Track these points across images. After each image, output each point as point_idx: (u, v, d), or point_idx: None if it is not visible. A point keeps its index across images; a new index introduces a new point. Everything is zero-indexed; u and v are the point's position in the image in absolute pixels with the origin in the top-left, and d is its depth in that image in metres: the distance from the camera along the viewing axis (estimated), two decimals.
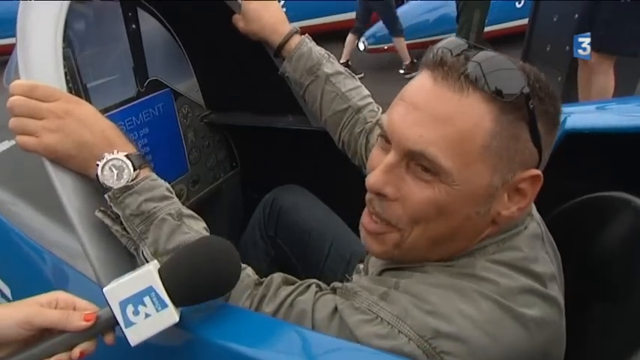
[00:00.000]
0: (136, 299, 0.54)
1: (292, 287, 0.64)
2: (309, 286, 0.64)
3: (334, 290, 0.63)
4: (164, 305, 0.55)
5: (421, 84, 0.58)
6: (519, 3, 4.71)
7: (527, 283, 0.59)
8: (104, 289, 0.55)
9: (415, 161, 0.57)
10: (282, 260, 1.19)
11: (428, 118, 0.55)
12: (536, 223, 0.66)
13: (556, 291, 0.62)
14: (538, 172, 0.58)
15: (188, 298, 0.57)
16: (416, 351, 0.53)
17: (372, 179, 0.60)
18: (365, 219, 0.64)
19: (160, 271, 0.56)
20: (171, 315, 0.55)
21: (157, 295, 0.55)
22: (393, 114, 0.59)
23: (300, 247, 1.15)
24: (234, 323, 0.62)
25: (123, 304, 0.54)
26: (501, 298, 0.56)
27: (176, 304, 0.56)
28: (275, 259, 1.21)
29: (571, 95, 2.99)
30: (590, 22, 2.50)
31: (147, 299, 0.54)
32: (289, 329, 0.60)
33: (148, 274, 0.55)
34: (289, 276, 0.68)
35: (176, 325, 0.57)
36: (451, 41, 0.58)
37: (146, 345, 0.56)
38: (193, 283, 0.56)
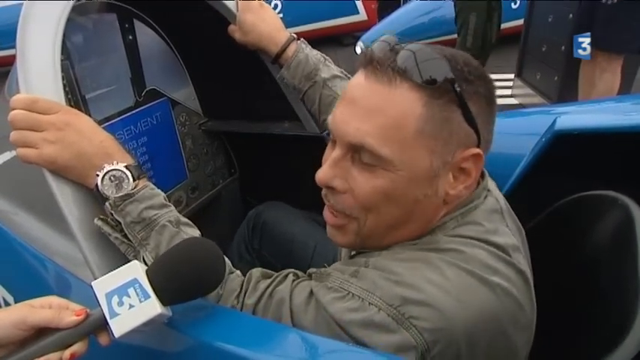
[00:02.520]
0: (121, 291, 0.56)
1: (270, 279, 0.67)
2: (286, 276, 0.67)
3: (310, 276, 0.67)
4: (147, 296, 0.56)
5: (356, 82, 0.62)
6: (515, 4, 4.73)
7: (490, 250, 0.61)
8: (92, 282, 0.57)
9: (358, 153, 0.61)
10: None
11: (362, 112, 0.60)
12: (494, 199, 0.68)
13: (521, 261, 0.64)
14: (478, 150, 0.62)
15: (176, 296, 0.59)
16: (386, 319, 0.56)
17: (320, 174, 0.64)
18: (325, 213, 0.68)
19: (147, 272, 0.58)
20: (153, 306, 0.56)
21: (140, 286, 0.56)
22: (334, 113, 0.64)
23: (284, 256, 1.18)
24: (226, 324, 0.63)
25: (109, 296, 0.56)
26: (466, 265, 0.59)
27: (164, 302, 0.57)
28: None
29: (567, 94, 3.00)
30: (590, 20, 2.50)
31: (131, 290, 0.56)
32: (280, 329, 0.61)
33: (133, 267, 0.58)
34: (267, 270, 0.71)
35: (169, 326, 0.58)
36: (381, 41, 0.63)
37: (139, 348, 0.57)
38: (179, 281, 0.58)
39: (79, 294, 0.81)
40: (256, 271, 0.70)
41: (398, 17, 4.59)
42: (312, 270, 0.67)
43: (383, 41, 0.63)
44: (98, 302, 0.56)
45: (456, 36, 3.70)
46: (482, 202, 0.66)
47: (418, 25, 4.51)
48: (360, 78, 0.62)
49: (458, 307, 0.56)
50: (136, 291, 0.56)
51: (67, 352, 0.54)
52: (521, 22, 3.71)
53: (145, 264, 0.69)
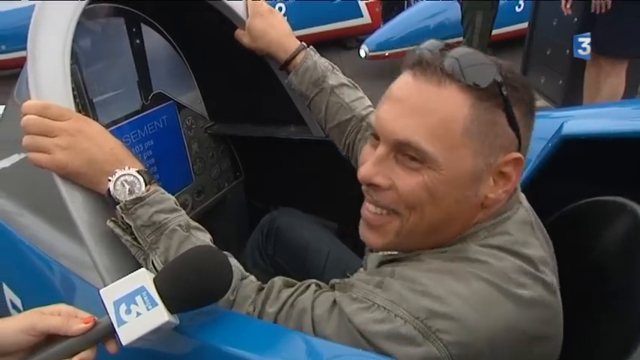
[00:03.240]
0: (129, 298, 0.56)
1: (293, 289, 0.67)
2: (308, 286, 0.67)
3: (332, 287, 0.66)
4: (154, 304, 0.56)
5: (403, 81, 0.63)
6: (519, 7, 4.73)
7: (517, 263, 0.61)
8: (100, 290, 0.57)
9: (402, 152, 0.61)
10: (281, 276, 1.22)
11: (410, 110, 0.60)
12: (525, 210, 0.68)
13: (548, 274, 0.63)
14: (519, 155, 0.62)
15: (183, 304, 0.59)
16: (412, 332, 0.56)
17: (363, 171, 0.64)
18: (365, 212, 0.67)
19: (154, 280, 0.58)
20: (160, 314, 0.56)
21: (148, 294, 0.57)
22: (379, 111, 0.64)
23: (298, 263, 1.18)
24: (235, 329, 0.63)
25: (117, 304, 0.56)
26: (493, 278, 0.59)
27: (172, 310, 0.57)
28: (274, 275, 1.24)
29: (572, 98, 3.00)
30: (591, 23, 2.51)
31: (138, 298, 0.56)
32: (289, 335, 0.61)
33: (141, 275, 0.58)
34: (289, 279, 0.71)
35: (176, 330, 0.58)
36: (429, 43, 0.64)
37: (147, 352, 0.57)
38: (186, 289, 0.58)
39: (86, 296, 0.82)
40: (278, 280, 0.70)
41: (402, 20, 4.60)
42: (334, 280, 0.67)
43: (431, 43, 0.64)
44: (106, 310, 0.56)
45: (460, 39, 3.71)
46: (514, 213, 0.66)
47: (422, 28, 4.51)
48: (407, 77, 0.62)
49: (483, 320, 0.56)
50: (143, 299, 0.56)
51: (76, 359, 0.54)
52: (525, 25, 3.71)
53: (155, 267, 0.70)
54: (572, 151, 0.89)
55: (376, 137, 0.65)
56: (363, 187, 0.66)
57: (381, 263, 0.70)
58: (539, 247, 0.65)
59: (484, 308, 0.57)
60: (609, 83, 2.55)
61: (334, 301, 0.62)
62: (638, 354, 0.59)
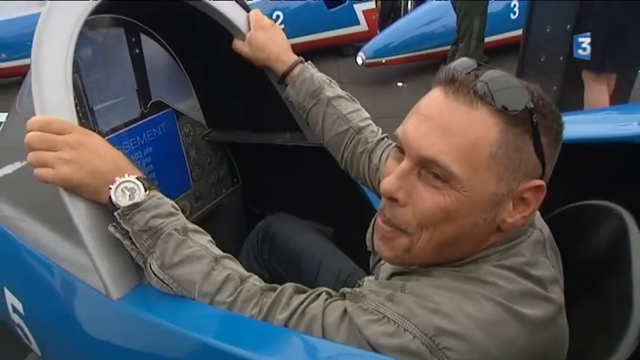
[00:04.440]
0: None
1: (304, 296, 0.68)
2: (319, 294, 0.68)
3: (343, 296, 0.67)
4: None
5: (434, 98, 0.62)
6: (514, 15, 4.77)
7: (528, 286, 0.62)
8: None
9: (427, 169, 0.61)
10: (276, 281, 1.23)
11: (440, 128, 0.60)
12: (538, 231, 0.69)
13: (557, 293, 0.65)
14: (541, 182, 0.62)
15: None
16: (420, 348, 0.57)
17: (386, 184, 0.63)
18: (379, 221, 0.68)
19: None
20: None
21: None
22: (407, 125, 0.64)
23: (292, 267, 1.20)
24: (232, 329, 0.65)
25: None
26: (503, 300, 0.59)
27: None
28: (269, 280, 1.26)
29: (566, 104, 3.03)
30: (587, 21, 2.52)
31: None
32: (292, 336, 0.63)
33: None
34: (300, 285, 0.72)
35: (174, 330, 0.59)
36: (463, 61, 0.63)
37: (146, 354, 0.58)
38: None
39: (87, 300, 0.83)
40: (289, 286, 0.71)
41: (398, 28, 4.63)
42: (345, 289, 0.68)
43: (463, 61, 0.63)
44: None
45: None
46: (527, 237, 0.67)
47: (418, 35, 4.55)
48: (439, 95, 0.62)
49: (490, 341, 0.57)
50: None
51: None
52: (520, 32, 3.75)
53: (153, 271, 0.72)
54: (561, 155, 0.91)
55: (401, 151, 0.64)
56: (382, 203, 0.66)
57: (392, 275, 0.70)
58: (549, 266, 0.66)
59: (492, 329, 0.58)
60: (589, 95, 2.59)
61: (345, 311, 0.63)
62: (624, 351, 0.61)
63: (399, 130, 0.65)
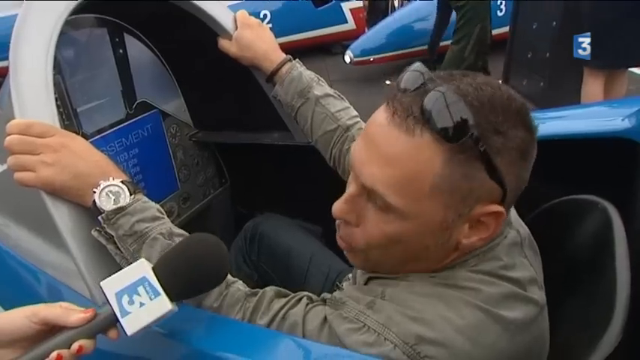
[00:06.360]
0: (131, 289, 0.57)
1: (285, 300, 0.67)
2: (300, 299, 0.67)
3: (324, 301, 0.66)
4: (157, 293, 0.57)
5: (379, 120, 0.58)
6: (501, 12, 4.80)
7: (507, 287, 0.61)
8: (101, 282, 0.57)
9: (369, 195, 0.60)
10: (265, 281, 1.23)
11: (379, 158, 0.57)
12: (515, 232, 0.68)
13: (536, 293, 0.64)
14: (499, 208, 0.58)
15: (183, 292, 0.60)
16: (401, 357, 0.56)
17: (336, 208, 0.64)
18: (337, 237, 0.69)
19: (154, 269, 0.59)
20: (163, 303, 0.57)
21: (150, 284, 0.57)
22: (356, 147, 0.62)
23: (281, 267, 1.19)
24: (226, 334, 0.64)
25: (119, 295, 0.56)
26: (483, 304, 0.59)
27: (172, 298, 0.58)
28: (258, 280, 1.26)
29: (552, 99, 3.05)
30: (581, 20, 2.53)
31: (140, 289, 0.57)
32: (279, 338, 0.63)
33: (141, 266, 0.58)
34: (281, 289, 0.71)
35: (171, 337, 0.59)
36: (413, 74, 0.58)
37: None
38: (186, 277, 0.59)
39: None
40: (270, 290, 0.70)
41: (386, 26, 4.63)
42: (326, 295, 0.68)
43: (413, 75, 0.58)
44: (108, 301, 0.56)
45: (447, 42, 3.73)
46: (503, 238, 0.65)
47: (406, 33, 4.55)
48: (383, 117, 0.58)
49: (472, 346, 0.57)
50: (145, 289, 0.57)
51: (76, 345, 0.55)
52: (507, 29, 3.77)
53: None
54: (544, 152, 0.91)
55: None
56: (337, 220, 0.67)
57: (370, 278, 0.70)
58: (527, 266, 0.66)
59: (474, 334, 0.57)
60: (586, 89, 2.61)
61: (325, 318, 0.62)
62: (608, 341, 0.62)
63: (354, 147, 0.63)
